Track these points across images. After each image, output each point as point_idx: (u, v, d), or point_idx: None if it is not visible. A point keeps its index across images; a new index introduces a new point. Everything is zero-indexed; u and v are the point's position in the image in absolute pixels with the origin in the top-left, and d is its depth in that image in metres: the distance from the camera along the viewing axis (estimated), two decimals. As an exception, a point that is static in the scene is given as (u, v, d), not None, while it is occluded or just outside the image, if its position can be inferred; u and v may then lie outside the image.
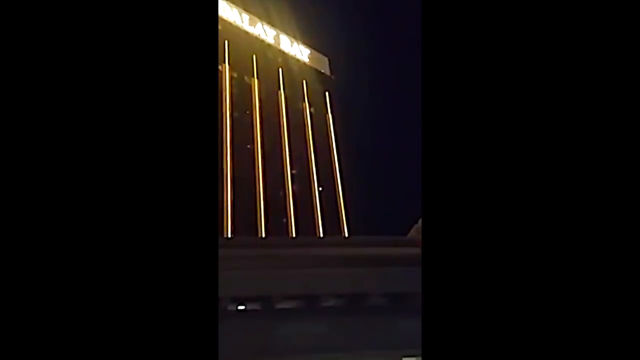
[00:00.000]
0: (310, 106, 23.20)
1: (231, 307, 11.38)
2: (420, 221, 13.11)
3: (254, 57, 30.32)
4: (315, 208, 21.29)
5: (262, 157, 24.91)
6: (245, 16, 32.18)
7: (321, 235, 20.09)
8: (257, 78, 29.01)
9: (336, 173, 21.81)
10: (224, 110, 24.34)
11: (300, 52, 35.57)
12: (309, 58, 35.06)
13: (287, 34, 34.88)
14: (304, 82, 28.86)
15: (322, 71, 33.92)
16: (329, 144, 22.55)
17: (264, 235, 22.74)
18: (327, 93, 26.69)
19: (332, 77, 33.62)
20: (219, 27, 25.25)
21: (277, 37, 33.68)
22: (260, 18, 33.10)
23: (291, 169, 23.81)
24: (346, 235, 19.65)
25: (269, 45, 32.10)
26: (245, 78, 27.11)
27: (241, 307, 11.11)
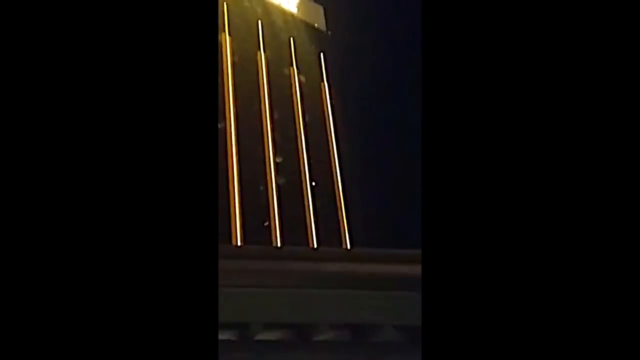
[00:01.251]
0: (299, 72, 23.00)
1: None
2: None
3: (225, 5, 30.33)
4: (306, 209, 21.05)
5: (235, 141, 25.34)
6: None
7: (314, 245, 19.99)
8: (229, 34, 29.20)
9: (334, 162, 21.57)
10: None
11: (287, -1, 35.97)
12: (297, 8, 35.42)
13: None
14: (292, 40, 28.36)
15: (315, 25, 34.14)
16: (324, 123, 22.28)
17: (238, 244, 22.55)
18: (321, 55, 26.20)
19: (328, 33, 33.65)
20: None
21: (255, -22, 33.46)
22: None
23: (274, 156, 23.63)
24: (348, 246, 19.54)
25: (245, -11, 31.90)
26: (213, 34, 26.66)
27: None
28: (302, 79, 22.30)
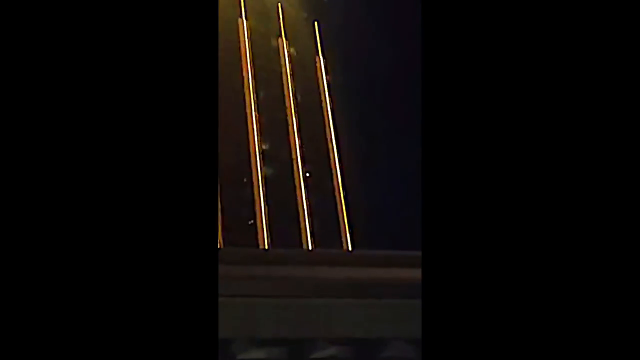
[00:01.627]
0: (289, 44, 21.34)
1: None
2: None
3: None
4: (299, 204, 19.55)
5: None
6: None
7: (309, 246, 18.80)
8: None
9: (331, 148, 19.87)
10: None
11: (273, -47, 34.21)
12: (286, -32, 34.52)
13: None
14: (279, 5, 26.74)
15: (308, -12, 33.65)
16: (320, 103, 20.62)
17: (219, 245, 21.56)
18: (316, 24, 24.49)
19: (325, -2, 32.83)
20: None
21: None
22: None
23: (260, 142, 22.14)
24: (349, 247, 18.31)
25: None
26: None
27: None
28: (293, 51, 20.54)
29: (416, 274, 10.57)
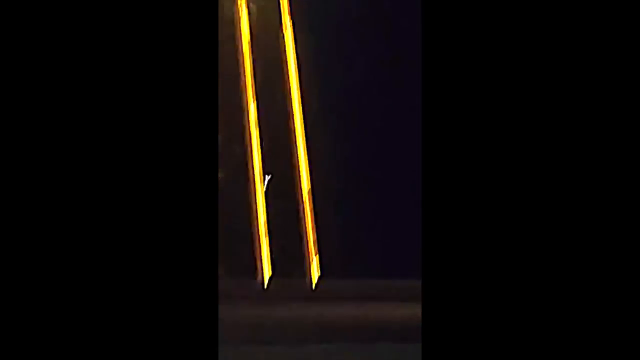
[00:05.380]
0: (249, 12, 18.04)
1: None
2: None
3: None
4: (254, 219, 16.62)
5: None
6: None
7: (266, 277, 16.05)
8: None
9: (299, 144, 16.67)
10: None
11: None
12: None
13: None
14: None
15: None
16: (286, 85, 17.37)
17: None
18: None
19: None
20: None
21: None
22: None
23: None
24: (314, 276, 15.37)
25: None
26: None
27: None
28: (254, 8, 17.37)
29: (398, 312, 12.18)
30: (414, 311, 8.73)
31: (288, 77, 17.75)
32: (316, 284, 15.18)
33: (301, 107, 17.85)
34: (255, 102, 17.82)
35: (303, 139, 17.43)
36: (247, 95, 17.87)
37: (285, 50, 17.85)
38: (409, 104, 15.77)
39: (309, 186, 17.03)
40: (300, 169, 17.58)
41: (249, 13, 18.89)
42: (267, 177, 16.00)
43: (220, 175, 17.67)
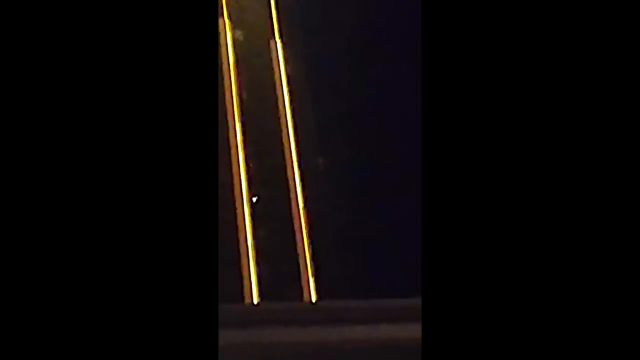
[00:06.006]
0: (233, 25, 17.47)
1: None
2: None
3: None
4: (242, 243, 15.84)
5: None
6: None
7: (254, 300, 15.50)
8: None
9: (289, 162, 15.91)
10: None
11: None
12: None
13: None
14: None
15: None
16: (274, 101, 16.63)
17: None
18: (270, 1, 20.66)
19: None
20: None
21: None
22: None
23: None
24: (312, 298, 14.81)
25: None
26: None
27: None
28: (239, 35, 16.80)
29: (398, 331, 11.67)
30: (413, 332, 8.38)
31: (277, 97, 17.33)
32: (313, 306, 15.03)
33: (293, 125, 17.35)
34: (240, 122, 17.44)
35: (296, 156, 16.98)
36: (230, 118, 17.57)
37: (274, 70, 17.49)
38: (405, 116, 15.58)
39: (303, 204, 16.40)
40: (293, 187, 17.06)
41: (234, 39, 18.57)
42: (254, 199, 15.67)
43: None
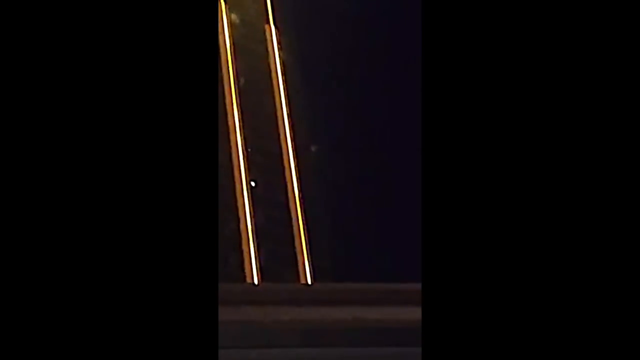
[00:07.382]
0: (229, 9, 17.61)
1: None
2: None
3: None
4: (242, 224, 16.07)
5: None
6: None
7: (255, 280, 15.57)
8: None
9: (285, 148, 16.14)
10: None
11: None
12: None
13: None
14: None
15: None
16: (270, 87, 16.83)
17: None
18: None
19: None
20: None
21: None
22: None
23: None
24: (308, 280, 15.00)
25: None
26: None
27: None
28: (235, 19, 16.95)
29: (399, 313, 12.04)
30: (413, 315, 8.53)
31: (273, 84, 17.43)
32: (310, 287, 15.12)
33: (288, 111, 17.42)
34: (238, 108, 17.45)
35: (292, 144, 17.03)
36: (229, 103, 17.59)
37: (270, 57, 17.56)
38: (403, 109, 15.61)
39: (299, 190, 16.38)
40: (289, 174, 17.17)
41: (231, 24, 18.55)
42: (252, 184, 15.75)
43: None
